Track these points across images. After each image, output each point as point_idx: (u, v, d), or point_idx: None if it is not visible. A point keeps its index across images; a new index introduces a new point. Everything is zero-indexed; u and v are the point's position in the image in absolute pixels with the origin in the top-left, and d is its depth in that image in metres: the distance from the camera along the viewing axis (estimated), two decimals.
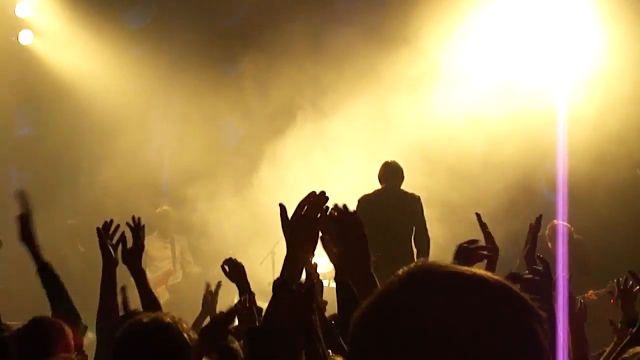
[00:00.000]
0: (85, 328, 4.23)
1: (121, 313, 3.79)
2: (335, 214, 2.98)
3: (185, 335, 2.79)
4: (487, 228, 3.87)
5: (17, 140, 13.71)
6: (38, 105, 13.58)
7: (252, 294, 4.37)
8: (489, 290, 1.22)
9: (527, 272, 3.47)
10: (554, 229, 9.19)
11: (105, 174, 12.24)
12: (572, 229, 9.24)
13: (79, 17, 12.70)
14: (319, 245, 3.00)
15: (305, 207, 2.88)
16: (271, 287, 2.78)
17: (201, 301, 5.54)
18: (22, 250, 4.43)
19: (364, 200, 8.55)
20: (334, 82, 11.22)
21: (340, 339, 3.40)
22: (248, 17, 12.95)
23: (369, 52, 11.05)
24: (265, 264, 10.45)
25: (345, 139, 11.07)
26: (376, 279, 2.88)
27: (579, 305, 4.31)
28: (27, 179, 13.17)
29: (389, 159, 8.96)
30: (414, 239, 8.58)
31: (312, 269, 3.70)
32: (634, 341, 3.92)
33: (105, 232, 4.37)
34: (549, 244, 9.13)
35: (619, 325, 4.42)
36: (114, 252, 4.31)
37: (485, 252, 3.66)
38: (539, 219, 3.83)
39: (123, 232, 4.41)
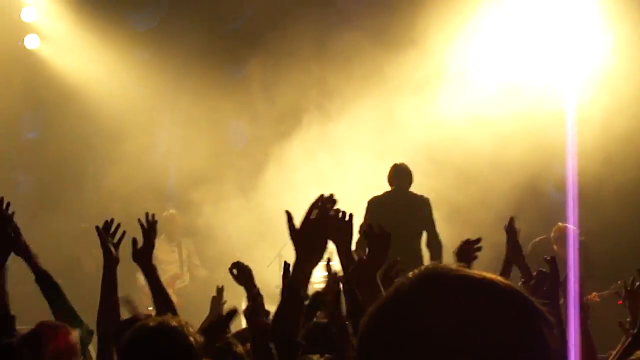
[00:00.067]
0: (91, 332, 4.22)
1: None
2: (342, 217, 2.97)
3: (192, 338, 2.80)
4: (514, 232, 3.87)
5: (23, 144, 13.74)
6: (44, 110, 13.60)
7: (260, 296, 4.37)
8: (498, 293, 1.22)
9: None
10: (559, 232, 9.17)
11: (111, 178, 12.25)
12: (577, 231, 9.21)
13: (85, 21, 12.72)
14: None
15: (314, 212, 2.86)
16: (278, 291, 2.78)
17: (209, 304, 5.55)
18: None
19: (373, 202, 8.60)
20: (340, 84, 11.22)
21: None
22: (254, 20, 12.96)
23: (376, 54, 11.05)
24: (272, 266, 10.44)
25: (351, 142, 11.07)
26: (380, 285, 2.87)
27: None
28: (33, 183, 13.20)
29: (396, 161, 8.99)
30: (427, 242, 8.61)
31: (332, 279, 3.69)
32: (636, 342, 3.91)
33: (105, 231, 4.40)
34: (555, 247, 9.10)
35: (627, 326, 4.39)
36: (115, 251, 4.32)
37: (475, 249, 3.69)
38: (511, 220, 3.84)
39: (124, 232, 4.43)
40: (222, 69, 12.50)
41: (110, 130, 12.72)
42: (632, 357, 3.53)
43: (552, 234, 9.21)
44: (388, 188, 8.87)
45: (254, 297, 4.37)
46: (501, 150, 10.40)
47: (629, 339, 3.98)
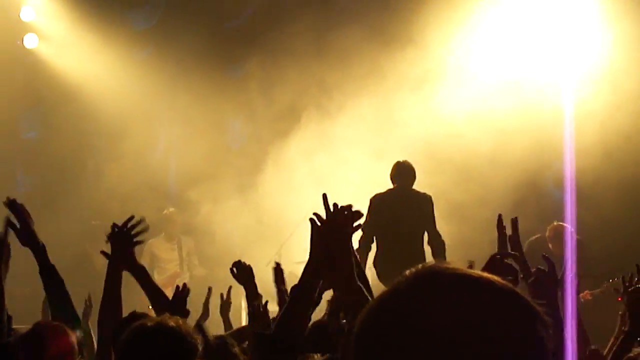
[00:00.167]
0: (88, 333, 4.21)
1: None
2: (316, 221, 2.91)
3: (189, 338, 2.80)
4: (505, 230, 3.85)
5: (23, 143, 13.74)
6: (43, 109, 13.60)
7: (265, 301, 4.40)
8: (495, 292, 1.22)
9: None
10: (554, 231, 9.18)
11: (111, 177, 12.26)
12: (573, 230, 9.20)
13: (84, 20, 12.72)
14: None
15: (336, 220, 2.81)
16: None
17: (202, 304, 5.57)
18: (29, 253, 4.38)
19: (376, 199, 8.61)
20: (339, 82, 11.22)
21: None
22: (253, 19, 12.96)
23: (375, 52, 11.04)
24: (271, 265, 10.43)
25: (350, 140, 11.06)
26: (361, 286, 2.80)
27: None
28: (33, 182, 13.20)
29: (395, 159, 8.99)
30: (428, 240, 8.61)
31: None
32: (630, 338, 3.92)
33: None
34: (550, 245, 9.10)
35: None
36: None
37: (510, 278, 3.50)
38: (514, 221, 3.83)
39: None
40: (221, 68, 12.50)
41: (109, 129, 12.73)
42: (631, 355, 3.53)
43: (547, 233, 9.22)
44: (387, 186, 8.87)
45: (255, 299, 4.38)
46: (500, 147, 10.39)
47: (622, 336, 3.98)
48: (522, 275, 3.79)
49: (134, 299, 5.44)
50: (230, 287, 5.55)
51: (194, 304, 4.21)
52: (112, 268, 4.21)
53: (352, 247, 2.88)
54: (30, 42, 12.96)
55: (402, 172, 8.79)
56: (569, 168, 9.60)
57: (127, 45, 12.76)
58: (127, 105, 12.60)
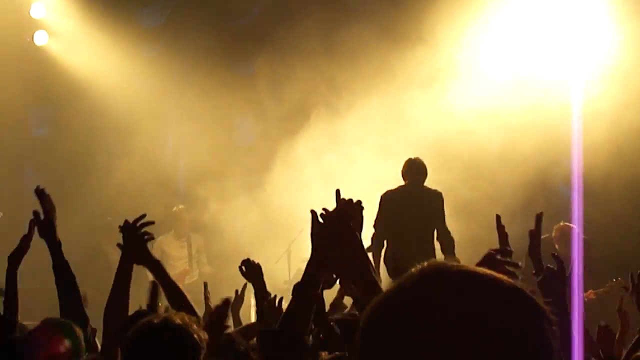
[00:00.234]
0: (95, 331, 4.22)
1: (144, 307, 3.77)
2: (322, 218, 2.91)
3: (196, 336, 2.79)
4: (505, 230, 3.84)
5: (32, 140, 13.79)
6: (53, 106, 13.65)
7: (272, 296, 4.39)
8: (501, 290, 1.22)
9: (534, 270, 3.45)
10: (560, 231, 9.17)
11: (120, 173, 12.28)
12: (579, 230, 9.17)
13: (94, 17, 12.75)
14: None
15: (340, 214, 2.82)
16: (287, 287, 2.78)
17: (215, 301, 5.56)
18: (42, 249, 4.40)
19: (387, 196, 8.63)
20: (348, 81, 11.21)
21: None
22: (262, 17, 12.97)
23: (384, 50, 11.02)
24: (281, 263, 10.45)
25: (359, 138, 11.06)
26: (376, 278, 2.82)
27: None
28: (42, 179, 13.23)
29: (403, 157, 9.00)
30: (438, 237, 8.61)
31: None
32: None
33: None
34: (556, 246, 9.08)
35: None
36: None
37: (511, 269, 3.51)
38: (539, 217, 3.81)
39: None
40: (230, 66, 12.50)
41: (119, 126, 12.76)
42: (638, 354, 3.52)
43: (553, 234, 9.20)
44: (396, 184, 8.86)
45: (264, 297, 4.38)
46: (510, 144, 10.38)
47: (637, 337, 3.97)
48: (534, 272, 3.80)
49: (141, 296, 5.43)
50: (245, 284, 5.54)
51: (200, 301, 4.21)
52: (124, 262, 4.21)
53: (362, 242, 2.88)
54: (40, 39, 13.00)
55: (414, 169, 8.80)
56: (578, 166, 9.58)
57: (137, 42, 12.79)
58: (137, 102, 12.63)
